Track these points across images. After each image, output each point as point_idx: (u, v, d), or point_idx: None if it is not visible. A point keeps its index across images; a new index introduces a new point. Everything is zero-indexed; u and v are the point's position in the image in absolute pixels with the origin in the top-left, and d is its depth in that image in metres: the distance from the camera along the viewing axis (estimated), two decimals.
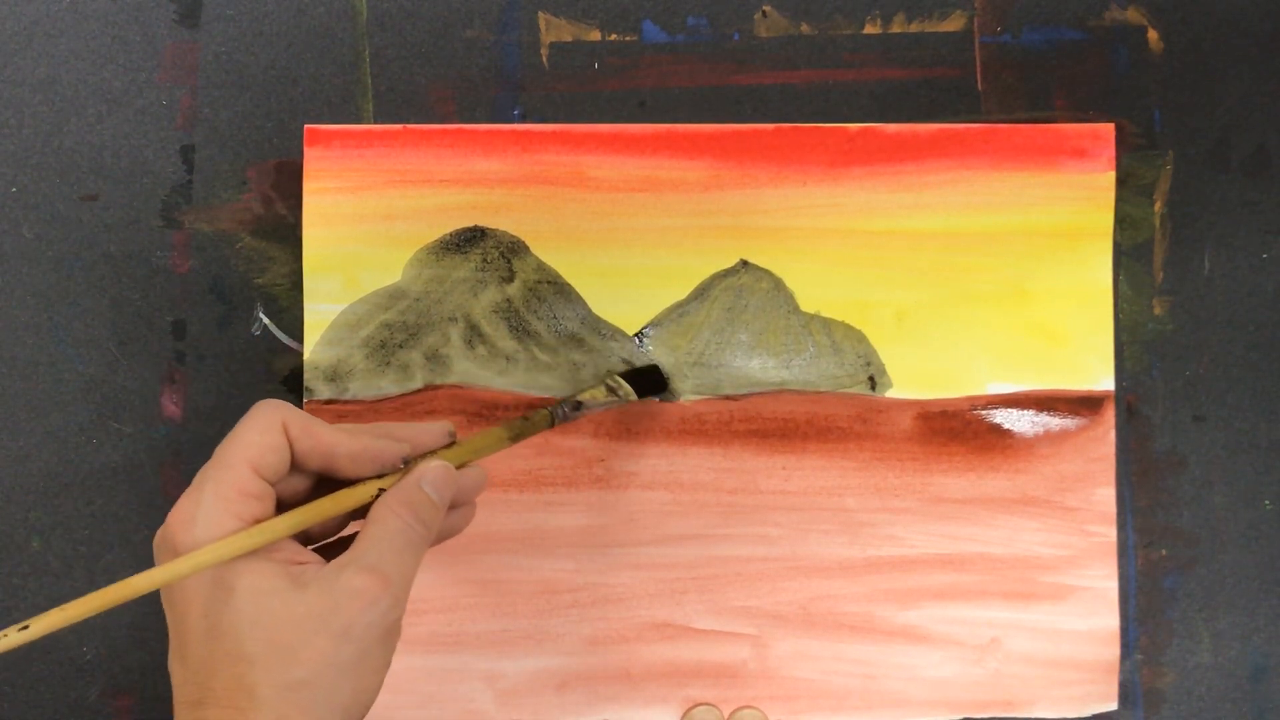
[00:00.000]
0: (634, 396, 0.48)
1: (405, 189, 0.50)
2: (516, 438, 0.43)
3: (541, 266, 0.50)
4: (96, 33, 0.50)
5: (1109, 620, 0.51)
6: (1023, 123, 0.51)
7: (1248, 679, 0.51)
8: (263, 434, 0.38)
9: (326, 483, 0.40)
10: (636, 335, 0.50)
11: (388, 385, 0.50)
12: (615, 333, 0.50)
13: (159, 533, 0.37)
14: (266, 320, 0.50)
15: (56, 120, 0.50)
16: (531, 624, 0.50)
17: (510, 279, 0.50)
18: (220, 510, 0.36)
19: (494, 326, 0.50)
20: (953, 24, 0.51)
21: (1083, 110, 0.51)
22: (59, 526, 0.50)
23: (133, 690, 0.50)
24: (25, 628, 0.34)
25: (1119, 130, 0.51)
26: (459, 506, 0.42)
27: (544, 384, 0.50)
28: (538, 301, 0.50)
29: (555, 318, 0.50)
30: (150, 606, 0.49)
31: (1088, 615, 0.50)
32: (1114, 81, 0.51)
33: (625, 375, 0.49)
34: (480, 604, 0.50)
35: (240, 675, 0.35)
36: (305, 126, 0.50)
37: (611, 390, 0.48)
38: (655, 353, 0.50)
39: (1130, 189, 0.51)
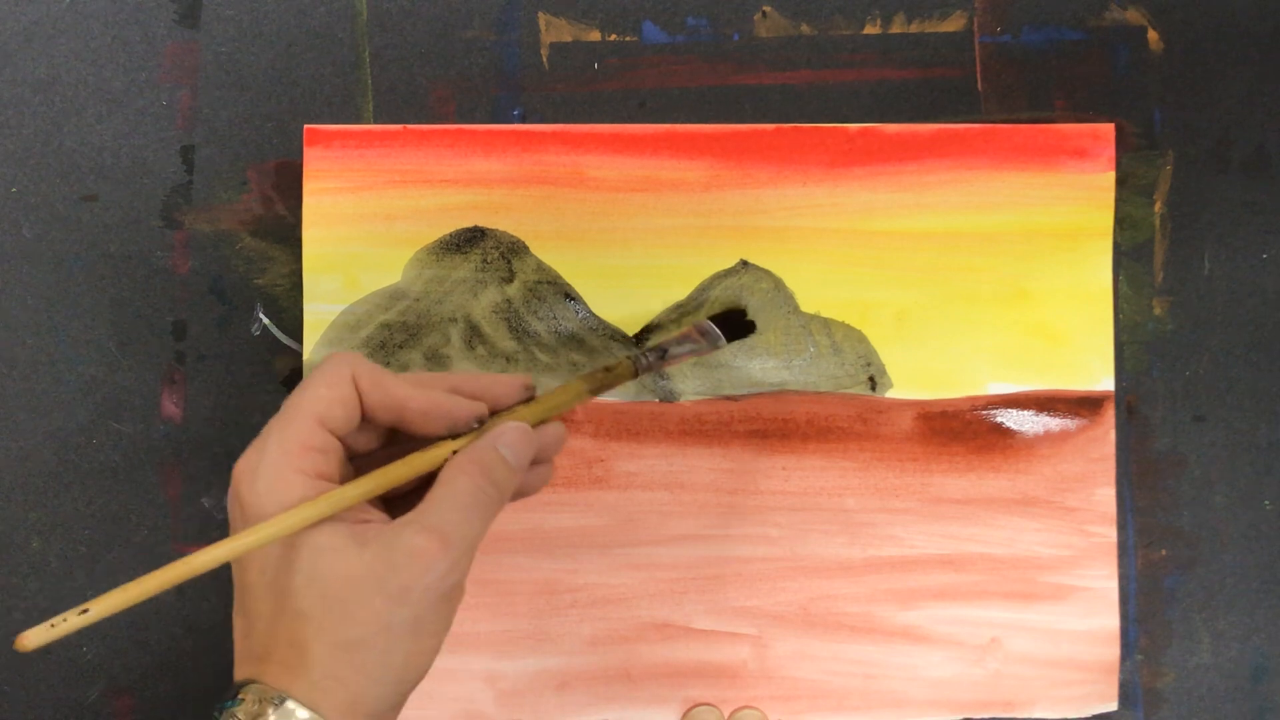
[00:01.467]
0: (723, 341, 0.46)
1: (405, 189, 0.50)
2: (597, 390, 0.41)
3: (541, 267, 0.50)
4: (96, 33, 0.50)
5: (1109, 620, 0.51)
6: (1023, 123, 0.51)
7: (1248, 679, 0.51)
8: (331, 386, 0.37)
9: (399, 435, 0.39)
10: (636, 335, 0.50)
11: None
12: (615, 333, 0.50)
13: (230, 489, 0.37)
14: (266, 320, 0.50)
15: (56, 120, 0.50)
16: (531, 624, 0.50)
17: (510, 279, 0.50)
18: (283, 464, 0.36)
19: (494, 327, 0.50)
20: (953, 24, 0.51)
21: (1083, 110, 0.51)
22: (59, 526, 0.50)
23: (133, 690, 0.50)
24: (85, 611, 0.33)
25: (1119, 130, 0.51)
26: (537, 465, 0.41)
27: (544, 384, 0.50)
28: (538, 302, 0.50)
29: (555, 318, 0.50)
30: (151, 607, 0.49)
31: (1088, 615, 0.50)
32: (1114, 81, 0.51)
33: (712, 319, 0.47)
34: (480, 604, 0.50)
35: (295, 632, 0.35)
36: (305, 126, 0.50)
37: (702, 333, 0.45)
38: None
39: (1130, 189, 0.51)
